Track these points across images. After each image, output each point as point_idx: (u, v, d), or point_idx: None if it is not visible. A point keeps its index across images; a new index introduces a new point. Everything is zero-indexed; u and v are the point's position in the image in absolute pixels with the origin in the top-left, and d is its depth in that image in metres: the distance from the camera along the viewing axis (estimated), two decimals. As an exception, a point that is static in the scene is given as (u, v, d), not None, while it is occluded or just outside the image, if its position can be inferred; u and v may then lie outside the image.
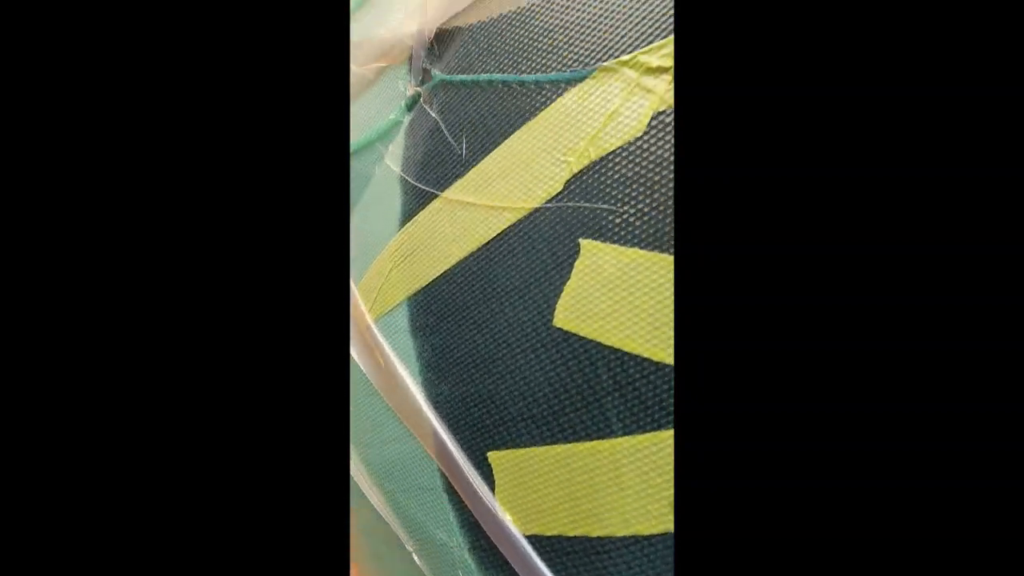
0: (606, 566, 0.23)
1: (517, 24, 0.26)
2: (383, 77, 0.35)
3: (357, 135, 0.36)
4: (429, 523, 0.30)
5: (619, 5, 0.23)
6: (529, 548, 0.25)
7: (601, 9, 0.24)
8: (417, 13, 0.34)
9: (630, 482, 0.22)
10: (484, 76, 0.27)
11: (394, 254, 0.31)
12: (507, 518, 0.26)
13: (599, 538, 0.23)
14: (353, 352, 0.34)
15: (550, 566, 0.25)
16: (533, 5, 0.26)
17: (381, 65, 0.36)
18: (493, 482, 0.26)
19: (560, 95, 0.24)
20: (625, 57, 0.23)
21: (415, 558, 0.32)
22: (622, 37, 0.23)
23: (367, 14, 0.37)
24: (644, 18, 0.23)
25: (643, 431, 0.21)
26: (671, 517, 0.21)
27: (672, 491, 0.21)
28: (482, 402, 0.27)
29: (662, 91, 0.21)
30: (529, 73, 0.25)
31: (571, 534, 0.24)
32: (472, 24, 0.29)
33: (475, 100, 0.27)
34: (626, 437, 0.22)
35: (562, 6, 0.25)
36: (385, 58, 0.36)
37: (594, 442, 0.23)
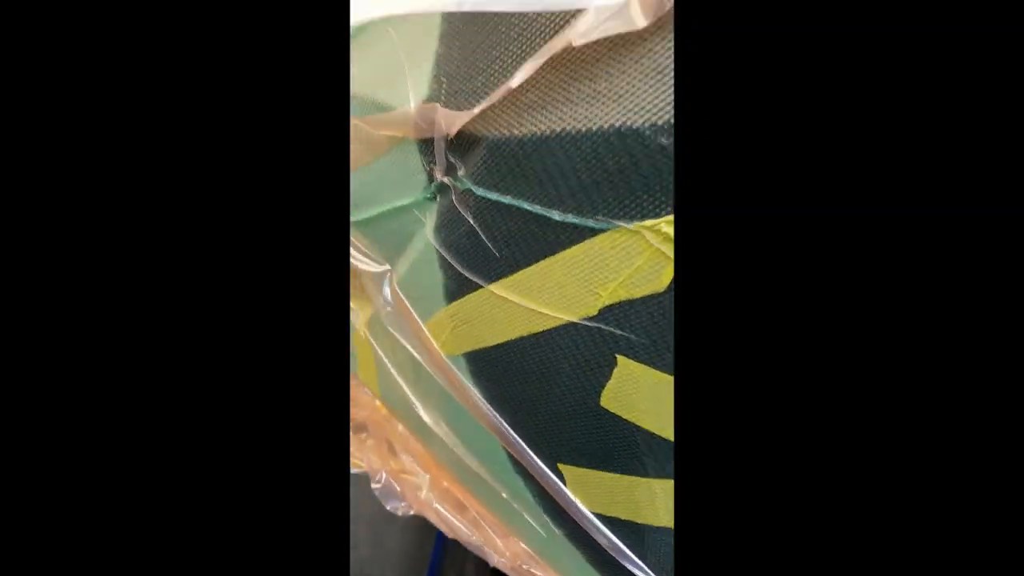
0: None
1: (544, 152, 0.27)
2: (396, 148, 0.37)
3: (379, 192, 0.39)
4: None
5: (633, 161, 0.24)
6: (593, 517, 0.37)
7: (618, 165, 0.25)
8: (421, 88, 0.34)
9: (661, 502, 0.32)
10: (516, 202, 0.29)
11: (452, 317, 0.37)
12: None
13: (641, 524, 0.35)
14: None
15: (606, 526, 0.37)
16: (554, 133, 0.27)
17: (392, 134, 0.37)
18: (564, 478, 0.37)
19: (588, 238, 0.27)
20: (648, 222, 0.25)
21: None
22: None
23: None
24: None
25: (670, 477, 0.30)
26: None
27: None
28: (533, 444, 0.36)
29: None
30: (557, 208, 0.28)
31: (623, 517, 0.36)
32: (492, 136, 0.29)
33: (507, 219, 0.30)
34: (658, 480, 0.31)
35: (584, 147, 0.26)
36: (395, 129, 0.37)
37: (633, 477, 0.33)
